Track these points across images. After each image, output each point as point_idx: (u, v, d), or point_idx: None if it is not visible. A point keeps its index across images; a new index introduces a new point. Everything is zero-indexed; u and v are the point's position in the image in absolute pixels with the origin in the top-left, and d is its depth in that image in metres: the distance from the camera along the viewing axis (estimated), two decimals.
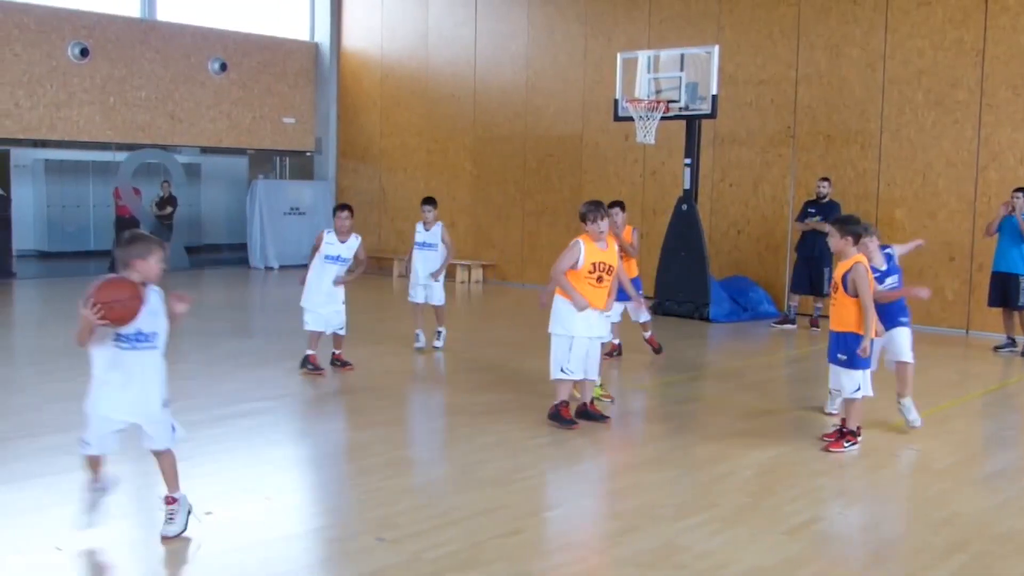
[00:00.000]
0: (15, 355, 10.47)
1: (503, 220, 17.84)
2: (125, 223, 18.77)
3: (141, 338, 4.72)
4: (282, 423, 7.72)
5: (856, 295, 6.72)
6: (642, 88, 13.34)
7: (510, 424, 7.44)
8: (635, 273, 10.09)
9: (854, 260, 6.77)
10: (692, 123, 13.36)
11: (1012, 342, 11.43)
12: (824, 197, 12.72)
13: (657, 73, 13.38)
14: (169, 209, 19.00)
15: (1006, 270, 11.25)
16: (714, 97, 12.87)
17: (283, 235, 19.84)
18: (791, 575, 4.68)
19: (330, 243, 9.14)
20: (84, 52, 17.02)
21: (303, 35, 20.60)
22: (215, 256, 21.25)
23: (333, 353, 9.43)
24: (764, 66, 14.41)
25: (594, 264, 7.22)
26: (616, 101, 13.73)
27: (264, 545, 4.94)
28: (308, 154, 20.95)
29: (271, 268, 19.54)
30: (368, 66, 20.02)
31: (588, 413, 7.48)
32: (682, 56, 13.30)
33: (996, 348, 11.53)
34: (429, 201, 10.56)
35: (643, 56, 13.54)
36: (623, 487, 6.02)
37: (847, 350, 6.84)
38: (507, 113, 17.63)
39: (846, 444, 6.85)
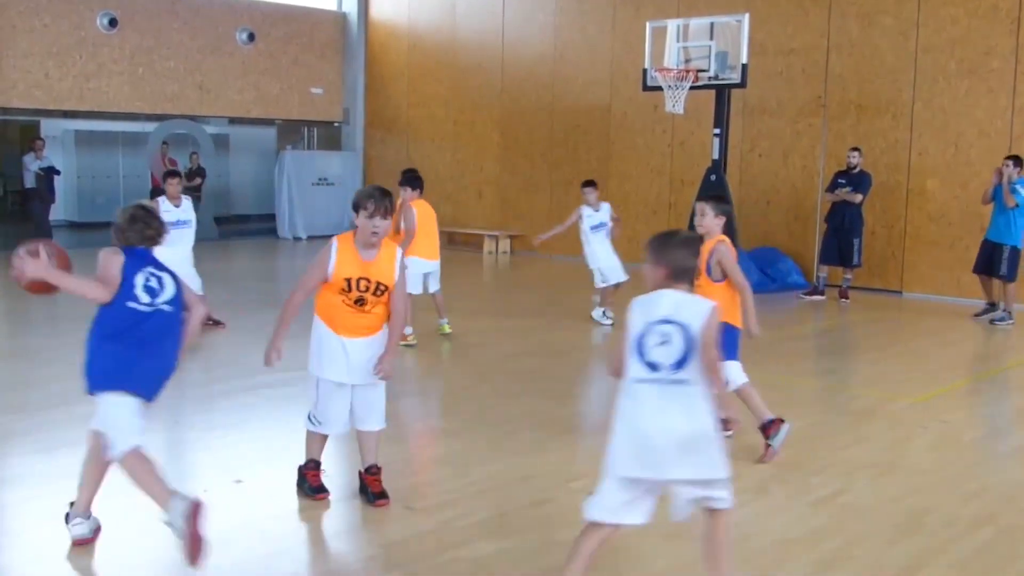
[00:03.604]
0: (49, 326, 10.61)
1: (530, 191, 17.81)
2: (158, 194, 18.96)
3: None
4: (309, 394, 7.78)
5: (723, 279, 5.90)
6: (671, 57, 13.21)
7: (538, 394, 7.47)
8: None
9: (717, 239, 5.95)
10: (721, 93, 13.23)
11: (992, 307, 11.34)
12: (855, 167, 12.59)
13: (686, 42, 13.24)
14: (198, 180, 19.12)
15: (995, 239, 11.14)
16: (744, 66, 12.72)
17: (311, 206, 19.89)
18: (817, 547, 4.69)
19: (168, 210, 9.44)
20: (113, 22, 17.08)
21: (331, 5, 20.55)
22: (243, 227, 21.37)
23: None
24: (795, 35, 14.23)
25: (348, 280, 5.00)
26: (645, 71, 13.61)
27: (293, 513, 5.01)
28: (336, 125, 20.97)
29: (299, 239, 19.63)
30: (396, 36, 19.96)
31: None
32: (711, 25, 13.15)
33: (976, 315, 11.44)
34: (590, 183, 10.66)
35: (672, 25, 13.40)
36: None
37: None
38: (535, 83, 17.54)
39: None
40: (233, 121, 20.92)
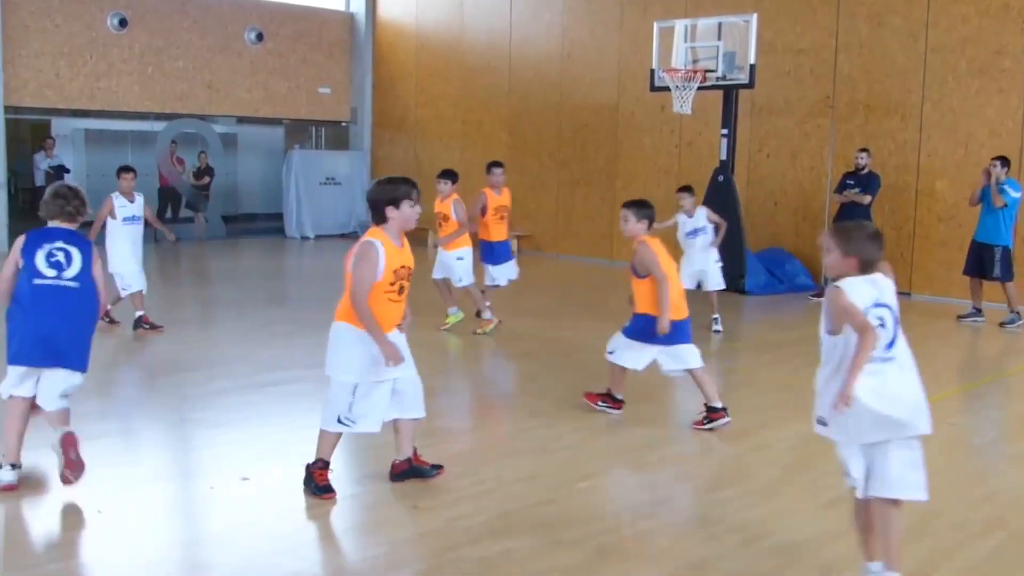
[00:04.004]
0: None
1: (538, 190, 17.78)
2: (167, 192, 19.02)
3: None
4: (317, 391, 7.76)
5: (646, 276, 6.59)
6: (679, 57, 13.18)
7: (545, 394, 7.46)
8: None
9: (637, 241, 6.63)
10: (729, 93, 13.20)
11: (977, 312, 11.29)
12: (863, 168, 12.54)
13: (694, 42, 13.21)
14: (206, 179, 19.16)
15: (984, 240, 11.11)
16: (752, 66, 12.69)
17: (319, 205, 19.91)
18: (826, 549, 4.67)
19: (123, 206, 9.35)
20: (123, 23, 17.12)
21: (339, 5, 20.56)
22: (251, 226, 21.38)
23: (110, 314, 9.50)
24: (803, 34, 14.19)
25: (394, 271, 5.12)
26: (652, 71, 13.59)
27: (299, 511, 5.00)
28: (344, 124, 20.98)
29: (307, 238, 19.64)
30: (404, 36, 19.96)
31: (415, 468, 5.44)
32: (719, 25, 13.12)
33: (959, 317, 11.40)
34: (686, 188, 10.43)
35: (680, 25, 13.37)
36: (657, 459, 6.02)
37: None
38: (542, 83, 17.51)
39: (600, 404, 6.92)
40: (241, 120, 20.94)
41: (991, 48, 12.52)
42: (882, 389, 3.95)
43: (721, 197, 13.42)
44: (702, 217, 10.25)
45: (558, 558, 4.47)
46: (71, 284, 4.98)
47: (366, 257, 4.96)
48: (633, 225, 6.66)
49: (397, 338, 5.16)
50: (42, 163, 17.42)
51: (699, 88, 12.95)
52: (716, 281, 10.33)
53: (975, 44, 12.64)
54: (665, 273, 6.51)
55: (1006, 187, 10.88)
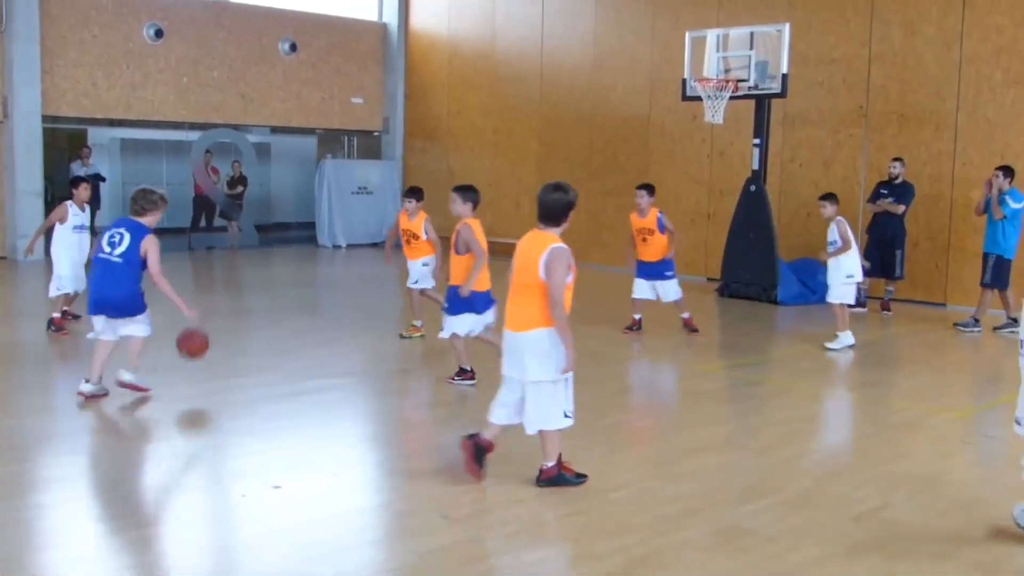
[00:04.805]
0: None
1: None
2: (201, 201, 19.21)
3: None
4: (348, 400, 7.83)
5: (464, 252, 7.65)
6: (711, 67, 13.16)
7: (575, 403, 7.44)
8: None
9: (463, 221, 7.74)
10: (761, 102, 13.16)
11: (1014, 321, 11.14)
12: (897, 178, 12.45)
13: (726, 52, 13.19)
14: (240, 188, 19.35)
15: (987, 250, 11.16)
16: (784, 76, 12.64)
17: (351, 214, 20.04)
18: (858, 562, 4.63)
19: (76, 214, 9.94)
20: (159, 33, 17.34)
21: (371, 16, 20.71)
22: (284, 235, 21.55)
23: (66, 311, 9.95)
24: (836, 44, 14.11)
25: None
26: (684, 80, 13.57)
27: (330, 519, 5.03)
28: (376, 134, 21.11)
29: (339, 247, 19.76)
30: (436, 46, 20.07)
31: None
32: (751, 34, 13.09)
33: (994, 329, 11.26)
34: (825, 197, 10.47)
35: (712, 35, 13.35)
36: (687, 470, 6.00)
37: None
38: (574, 93, 17.53)
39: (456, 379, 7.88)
40: (275, 130, 21.13)
41: None
42: None
43: (753, 207, 13.38)
44: (833, 230, 10.20)
45: (589, 569, 4.47)
46: (116, 259, 6.84)
47: (563, 260, 5.28)
48: (460, 207, 7.73)
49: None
50: (78, 171, 17.66)
51: (731, 98, 12.92)
52: (828, 293, 10.37)
53: (1010, 55, 12.52)
54: (484, 251, 7.53)
55: (1007, 198, 10.85)
